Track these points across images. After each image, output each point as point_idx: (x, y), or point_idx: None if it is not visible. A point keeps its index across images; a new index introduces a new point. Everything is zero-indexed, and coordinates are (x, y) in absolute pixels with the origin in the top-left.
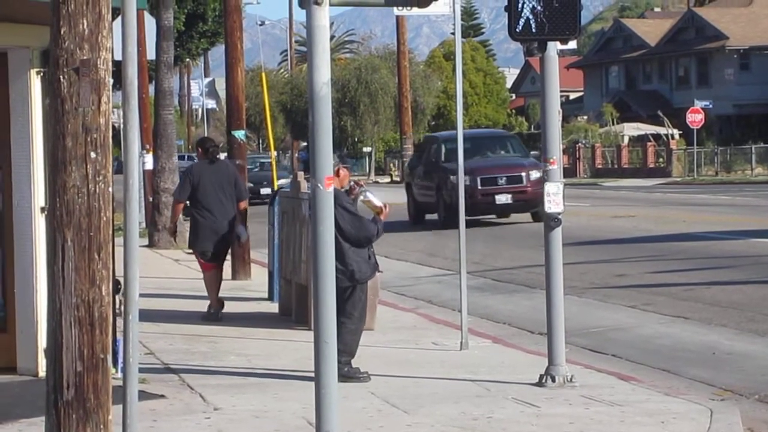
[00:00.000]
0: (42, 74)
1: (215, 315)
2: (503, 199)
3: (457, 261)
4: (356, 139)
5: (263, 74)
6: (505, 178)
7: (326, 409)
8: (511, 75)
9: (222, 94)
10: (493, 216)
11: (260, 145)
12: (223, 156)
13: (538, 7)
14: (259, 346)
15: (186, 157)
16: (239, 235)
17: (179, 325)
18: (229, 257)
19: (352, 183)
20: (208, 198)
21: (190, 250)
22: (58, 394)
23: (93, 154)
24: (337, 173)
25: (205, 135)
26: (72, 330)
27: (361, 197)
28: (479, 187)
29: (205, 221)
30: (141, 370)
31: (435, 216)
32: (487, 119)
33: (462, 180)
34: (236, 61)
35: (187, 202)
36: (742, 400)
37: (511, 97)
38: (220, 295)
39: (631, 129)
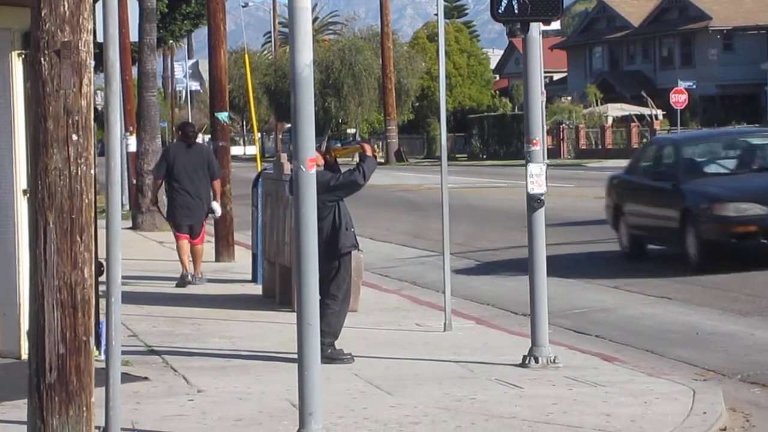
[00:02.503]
0: (23, 56)
1: (185, 281)
2: None
3: (440, 242)
4: (340, 121)
5: (246, 56)
6: None
7: (309, 391)
8: (495, 56)
9: (206, 75)
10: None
11: (244, 127)
12: (207, 137)
13: None
14: (243, 328)
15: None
16: (213, 210)
17: (163, 308)
18: (211, 239)
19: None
20: (183, 177)
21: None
22: (40, 376)
23: (74, 137)
24: None
25: (188, 118)
26: (54, 313)
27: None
28: None
29: (180, 198)
30: (124, 353)
31: None
32: (471, 100)
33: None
34: (219, 42)
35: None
36: (725, 380)
37: (495, 78)
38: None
39: (615, 110)
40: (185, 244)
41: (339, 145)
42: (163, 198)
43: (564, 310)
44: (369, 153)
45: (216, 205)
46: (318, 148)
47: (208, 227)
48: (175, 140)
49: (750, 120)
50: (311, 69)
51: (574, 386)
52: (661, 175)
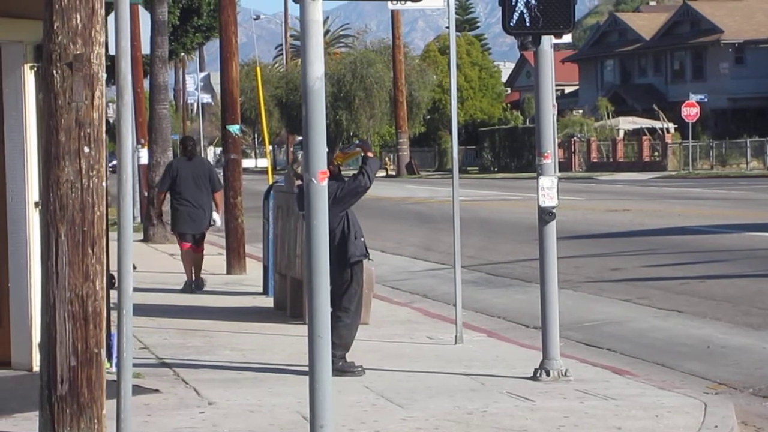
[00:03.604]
0: (35, 69)
1: (190, 288)
2: None
3: (452, 255)
4: (351, 134)
5: (258, 69)
6: None
7: (320, 404)
8: (506, 69)
9: (217, 88)
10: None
11: (255, 140)
12: (218, 150)
13: (533, 1)
14: (254, 340)
15: None
16: (214, 220)
17: (174, 320)
18: (222, 251)
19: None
20: (186, 189)
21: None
22: (52, 389)
23: (86, 149)
24: None
25: (200, 130)
26: (66, 325)
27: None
28: None
29: (183, 208)
30: (135, 365)
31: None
32: (482, 113)
33: (455, 165)
34: (231, 55)
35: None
36: (737, 393)
37: (507, 91)
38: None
39: (627, 123)
40: (189, 252)
41: (339, 152)
42: (165, 209)
43: (575, 323)
44: (370, 154)
45: (216, 216)
46: None
47: (218, 239)
48: (178, 155)
49: (762, 133)
50: (323, 82)
51: (585, 399)
52: None
